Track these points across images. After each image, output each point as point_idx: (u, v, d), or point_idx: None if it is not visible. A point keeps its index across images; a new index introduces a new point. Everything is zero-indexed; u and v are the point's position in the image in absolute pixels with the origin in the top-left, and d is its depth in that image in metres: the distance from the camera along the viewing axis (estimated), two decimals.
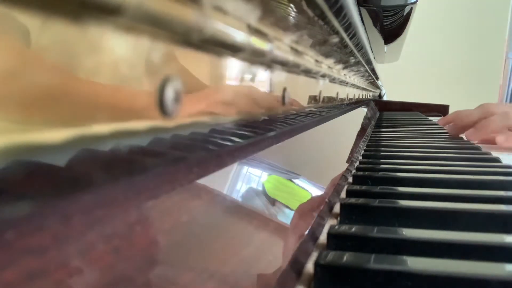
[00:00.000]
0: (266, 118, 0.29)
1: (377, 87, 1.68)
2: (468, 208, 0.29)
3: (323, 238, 0.27)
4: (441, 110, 1.55)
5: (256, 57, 0.24)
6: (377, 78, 1.37)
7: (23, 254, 0.09)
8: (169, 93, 0.15)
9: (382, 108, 1.61)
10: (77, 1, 0.10)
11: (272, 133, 0.30)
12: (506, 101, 2.71)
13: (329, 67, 0.50)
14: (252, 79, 0.25)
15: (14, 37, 0.09)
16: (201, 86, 0.19)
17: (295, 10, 0.28)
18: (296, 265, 0.21)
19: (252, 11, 0.22)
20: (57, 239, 0.10)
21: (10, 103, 0.09)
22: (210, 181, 0.19)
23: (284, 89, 0.32)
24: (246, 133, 0.25)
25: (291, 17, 0.29)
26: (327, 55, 0.47)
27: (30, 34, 0.09)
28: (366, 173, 0.43)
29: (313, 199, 0.30)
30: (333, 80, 0.56)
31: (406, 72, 2.58)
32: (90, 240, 0.11)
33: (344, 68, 0.65)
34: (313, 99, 0.46)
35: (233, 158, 0.22)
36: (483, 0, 2.67)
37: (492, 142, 0.76)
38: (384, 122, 1.10)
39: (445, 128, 0.92)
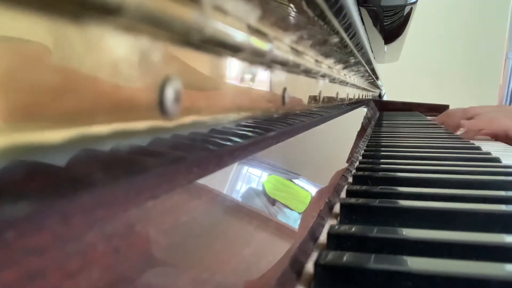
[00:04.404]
0: (266, 118, 0.29)
1: (377, 87, 1.68)
2: (468, 208, 0.29)
3: (323, 238, 0.27)
4: (441, 110, 1.55)
5: (256, 57, 0.24)
6: (377, 78, 1.37)
7: (23, 254, 0.09)
8: (169, 93, 0.15)
9: (382, 108, 1.61)
10: (77, 1, 0.10)
11: (272, 133, 0.30)
12: (506, 101, 2.72)
13: (329, 67, 0.50)
14: (252, 79, 0.25)
15: (14, 37, 0.09)
16: (201, 86, 0.19)
17: (295, 10, 0.28)
18: (296, 265, 0.21)
19: (252, 11, 0.22)
20: (57, 239, 0.10)
21: (10, 103, 0.09)
22: (210, 181, 0.19)
23: (284, 89, 0.32)
24: (246, 133, 0.25)
25: (291, 17, 0.29)
26: (327, 55, 0.47)
27: (30, 34, 0.09)
28: (366, 173, 0.43)
29: None
30: (333, 80, 0.56)
31: (406, 72, 2.58)
32: (90, 240, 0.11)
33: (344, 68, 0.65)
34: (313, 99, 0.46)
35: (233, 158, 0.22)
36: (483, 0, 2.67)
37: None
38: (384, 122, 1.10)
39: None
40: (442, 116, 1.15)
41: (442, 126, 1.02)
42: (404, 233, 0.25)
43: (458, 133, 0.94)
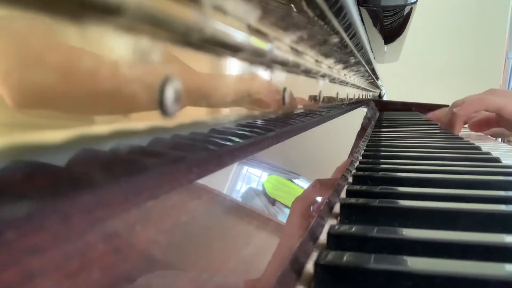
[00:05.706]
0: (266, 118, 0.29)
1: (377, 87, 1.68)
2: (468, 208, 0.29)
3: (323, 238, 0.27)
4: None
5: (256, 57, 0.24)
6: (377, 78, 1.37)
7: (23, 254, 0.09)
8: (169, 93, 0.15)
9: (382, 108, 1.61)
10: (77, 1, 0.10)
11: (272, 133, 0.30)
12: None
13: (329, 67, 0.50)
14: (252, 79, 0.25)
15: (14, 37, 0.09)
16: (201, 86, 0.19)
17: (295, 10, 0.28)
18: (296, 265, 0.21)
19: (252, 11, 0.22)
20: (57, 239, 0.10)
21: (10, 103, 0.09)
22: (210, 181, 0.19)
23: (284, 89, 0.32)
24: (246, 133, 0.25)
25: (291, 17, 0.29)
26: (327, 55, 0.47)
27: (30, 34, 0.09)
28: (366, 173, 0.43)
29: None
30: (333, 80, 0.56)
31: (406, 72, 2.58)
32: (90, 240, 0.11)
33: (344, 68, 0.65)
34: (313, 99, 0.46)
35: (233, 158, 0.22)
36: (483, 0, 2.67)
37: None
38: (384, 122, 1.10)
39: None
40: (438, 113, 1.13)
41: (438, 124, 1.03)
42: (404, 233, 0.25)
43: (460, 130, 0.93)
